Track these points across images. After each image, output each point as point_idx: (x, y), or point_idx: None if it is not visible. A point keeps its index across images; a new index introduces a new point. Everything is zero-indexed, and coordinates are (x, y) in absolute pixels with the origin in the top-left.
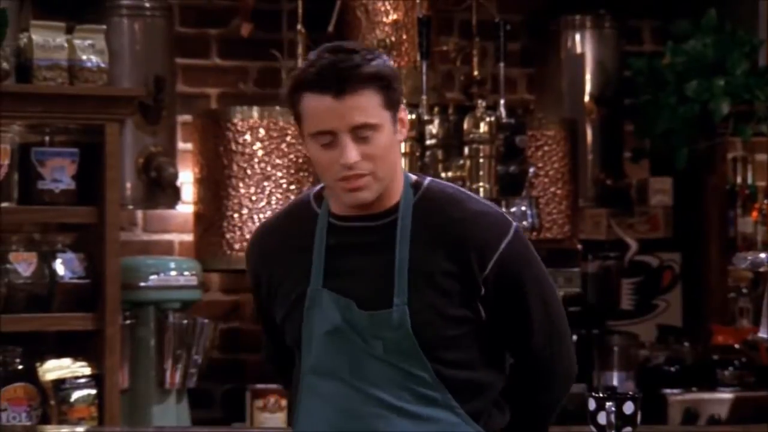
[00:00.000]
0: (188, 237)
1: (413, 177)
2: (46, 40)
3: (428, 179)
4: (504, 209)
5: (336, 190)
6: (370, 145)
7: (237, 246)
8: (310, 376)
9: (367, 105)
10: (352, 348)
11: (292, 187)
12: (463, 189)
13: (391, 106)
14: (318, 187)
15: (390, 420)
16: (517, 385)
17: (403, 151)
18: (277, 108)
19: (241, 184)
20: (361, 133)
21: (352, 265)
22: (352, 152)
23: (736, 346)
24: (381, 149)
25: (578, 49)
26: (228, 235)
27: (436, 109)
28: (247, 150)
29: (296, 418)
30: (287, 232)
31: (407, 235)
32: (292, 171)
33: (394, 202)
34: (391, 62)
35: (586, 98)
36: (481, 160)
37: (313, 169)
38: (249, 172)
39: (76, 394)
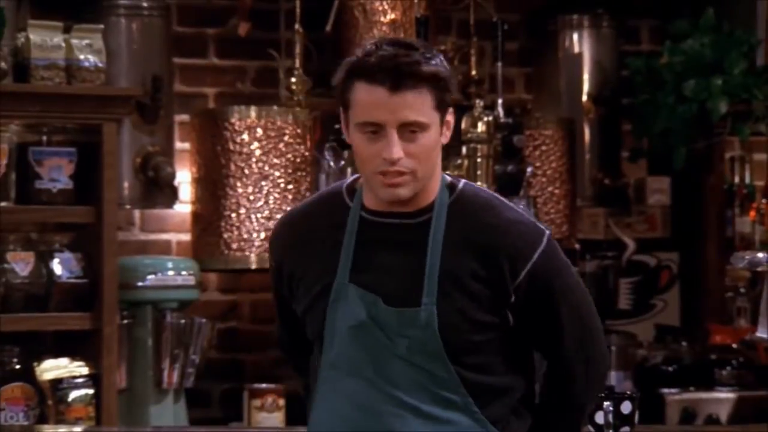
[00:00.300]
0: (186, 237)
1: (448, 178)
2: (44, 39)
3: (463, 181)
4: None
5: (373, 182)
6: (415, 144)
7: (234, 246)
8: (331, 371)
9: (420, 104)
10: (375, 345)
11: (290, 186)
12: (496, 195)
13: (442, 107)
14: (350, 179)
15: (407, 420)
16: (549, 388)
17: None
18: (275, 108)
19: (238, 184)
20: (408, 130)
21: (381, 261)
22: (396, 148)
23: (734, 345)
24: (425, 149)
25: (576, 49)
26: (225, 235)
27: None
28: (245, 150)
29: (313, 411)
30: (317, 221)
31: (440, 237)
32: (290, 171)
33: (429, 202)
34: (446, 63)
35: (584, 98)
36: (479, 160)
37: (311, 168)
38: (246, 171)
39: (73, 394)
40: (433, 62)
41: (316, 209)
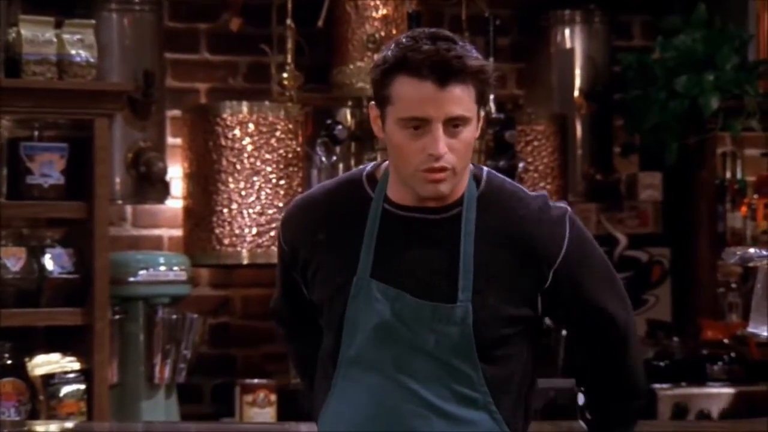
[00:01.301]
0: (177, 232)
1: (472, 167)
2: (35, 34)
3: (485, 170)
4: None
5: (415, 179)
6: (457, 139)
7: (226, 241)
8: (351, 367)
9: (465, 98)
10: (399, 341)
11: (282, 182)
12: (517, 184)
13: (482, 102)
14: (369, 167)
15: (427, 419)
16: (602, 371)
17: None
18: (267, 103)
19: (230, 179)
20: (452, 125)
21: (407, 256)
22: (442, 143)
23: (726, 341)
24: (465, 144)
25: (568, 44)
26: (217, 230)
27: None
28: (237, 145)
29: (330, 406)
30: (335, 210)
31: (472, 230)
32: (282, 166)
33: (458, 196)
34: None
35: (576, 93)
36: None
37: (302, 164)
38: (238, 167)
39: (65, 389)
40: (476, 56)
41: (334, 197)
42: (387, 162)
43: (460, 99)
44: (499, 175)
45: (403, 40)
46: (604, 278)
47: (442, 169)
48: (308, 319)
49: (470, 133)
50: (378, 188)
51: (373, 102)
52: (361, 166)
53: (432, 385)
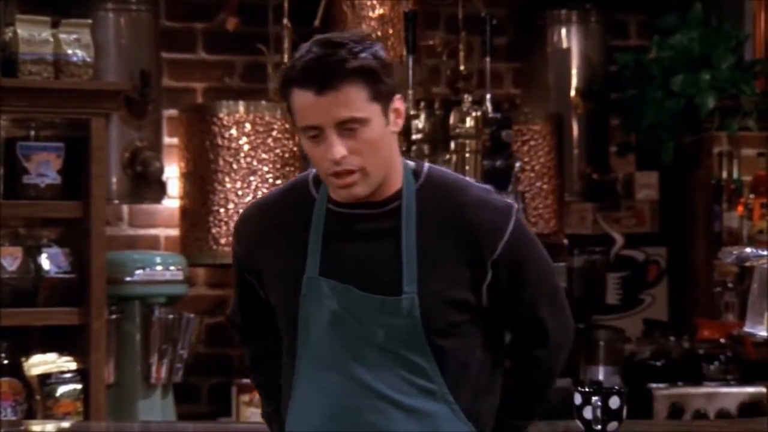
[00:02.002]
0: (174, 232)
1: (412, 164)
2: (32, 34)
3: (427, 165)
4: None
5: (329, 184)
6: (357, 140)
7: (223, 241)
8: (307, 366)
9: (353, 99)
10: (351, 336)
11: (278, 181)
12: (461, 176)
13: (381, 98)
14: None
15: (385, 413)
16: (521, 360)
17: None
18: (263, 103)
19: (227, 179)
20: (347, 127)
21: (352, 252)
22: (337, 147)
23: (722, 340)
24: (369, 143)
25: (564, 44)
26: (214, 230)
27: (422, 104)
28: (233, 144)
29: (291, 408)
30: (284, 213)
31: (413, 222)
32: (278, 165)
33: (395, 190)
34: (383, 52)
35: (572, 93)
36: (468, 155)
37: (299, 164)
38: (235, 166)
39: (61, 389)
40: (361, 55)
41: (282, 201)
42: None
43: (347, 101)
44: (441, 168)
45: (300, 49)
46: (546, 281)
47: (348, 172)
48: (264, 323)
49: (372, 132)
50: (321, 189)
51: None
52: (309, 170)
53: (388, 379)
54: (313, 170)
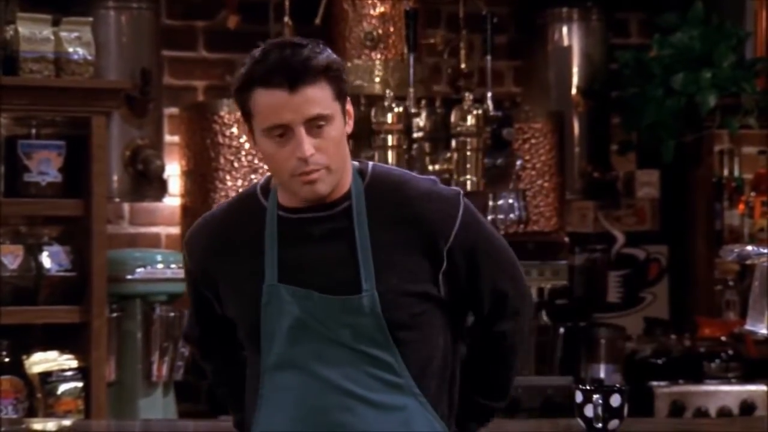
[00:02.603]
0: (175, 230)
1: (356, 163)
2: (33, 32)
3: (371, 164)
4: (491, 202)
5: (292, 185)
6: (323, 137)
7: None
8: (273, 372)
9: (321, 97)
10: (315, 338)
11: None
12: (405, 170)
13: (341, 97)
14: (264, 180)
15: (354, 411)
16: (486, 339)
17: (390, 143)
18: None
19: (228, 177)
20: (315, 125)
21: (308, 256)
22: (307, 145)
23: (723, 338)
24: (333, 141)
25: (565, 42)
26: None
27: (423, 102)
28: (234, 143)
29: (258, 414)
30: (235, 227)
31: (364, 220)
32: None
33: (345, 191)
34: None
35: (573, 91)
36: (468, 153)
37: None
38: (236, 164)
39: (62, 387)
40: (324, 54)
41: (233, 214)
42: None
43: (314, 99)
44: (385, 165)
45: (255, 54)
46: (503, 259)
47: (314, 170)
48: (222, 335)
49: (336, 130)
50: (270, 197)
51: (241, 118)
52: (254, 182)
53: (354, 376)
54: (260, 181)
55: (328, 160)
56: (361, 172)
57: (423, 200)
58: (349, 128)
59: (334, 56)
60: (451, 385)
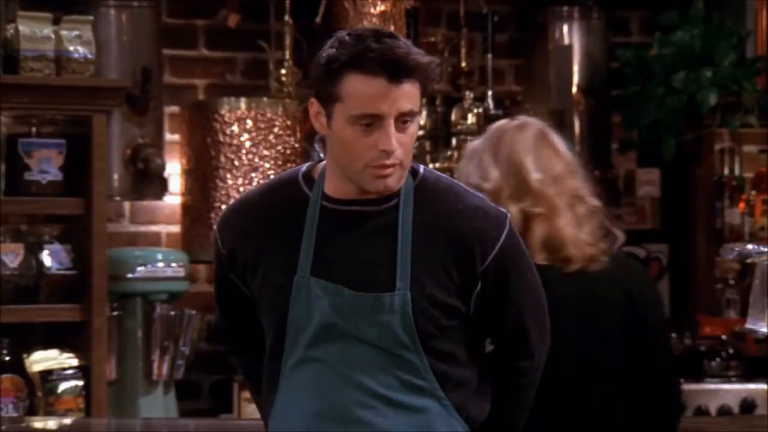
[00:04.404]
0: (176, 228)
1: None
2: (33, 30)
3: (422, 167)
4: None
5: (364, 175)
6: (406, 133)
7: None
8: (295, 365)
9: (414, 93)
10: (341, 335)
11: None
12: (455, 180)
13: (424, 97)
14: (306, 167)
15: (375, 409)
16: (504, 371)
17: None
18: (265, 99)
19: (228, 176)
20: (402, 120)
21: (345, 250)
22: (394, 139)
23: (724, 337)
24: (411, 139)
25: (566, 41)
26: (215, 227)
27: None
28: (235, 141)
29: (277, 406)
30: (273, 211)
31: (409, 221)
32: (280, 162)
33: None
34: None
35: (574, 89)
36: None
37: (300, 160)
38: (236, 163)
39: (63, 386)
40: (420, 52)
41: (271, 198)
42: (323, 162)
43: (410, 95)
44: (436, 171)
45: (348, 38)
46: (533, 293)
47: (392, 165)
48: (250, 327)
49: (416, 127)
50: (315, 186)
51: (313, 99)
52: (296, 167)
53: (378, 376)
54: (302, 168)
55: (404, 157)
56: (413, 172)
57: (468, 217)
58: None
59: (426, 55)
60: (480, 398)
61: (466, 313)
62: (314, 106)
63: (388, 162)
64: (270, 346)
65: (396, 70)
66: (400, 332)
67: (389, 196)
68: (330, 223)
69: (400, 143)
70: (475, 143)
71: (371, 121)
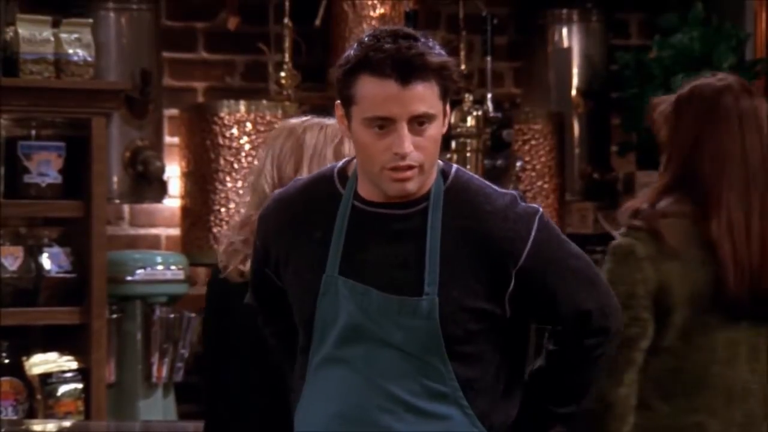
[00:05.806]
0: (175, 231)
1: (440, 163)
2: (33, 33)
3: (455, 167)
4: None
5: (381, 178)
6: (423, 136)
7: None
8: (319, 365)
9: (429, 95)
10: (366, 337)
11: None
12: (487, 182)
13: (446, 97)
14: (342, 163)
15: (396, 414)
16: (570, 348)
17: None
18: (264, 102)
19: (228, 178)
20: (417, 122)
21: (374, 252)
22: (407, 142)
23: None
24: (432, 141)
25: (565, 43)
26: (215, 229)
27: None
28: (234, 144)
29: (301, 406)
30: (307, 208)
31: (438, 224)
32: None
33: (425, 191)
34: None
35: (573, 92)
36: (468, 154)
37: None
38: (236, 166)
39: (62, 389)
40: (438, 52)
41: (307, 194)
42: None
43: (423, 96)
44: (468, 172)
45: (366, 39)
46: (577, 277)
47: (409, 167)
48: (283, 311)
49: (436, 129)
50: (348, 185)
51: (338, 102)
52: (333, 163)
53: (401, 380)
54: (337, 165)
55: (424, 159)
56: (444, 173)
57: (497, 218)
58: (445, 128)
59: (448, 56)
60: (505, 404)
61: (501, 314)
62: (338, 109)
63: (402, 164)
64: (300, 342)
65: (406, 71)
66: (424, 338)
67: (418, 198)
68: (360, 224)
69: (417, 146)
70: None
71: (384, 124)
